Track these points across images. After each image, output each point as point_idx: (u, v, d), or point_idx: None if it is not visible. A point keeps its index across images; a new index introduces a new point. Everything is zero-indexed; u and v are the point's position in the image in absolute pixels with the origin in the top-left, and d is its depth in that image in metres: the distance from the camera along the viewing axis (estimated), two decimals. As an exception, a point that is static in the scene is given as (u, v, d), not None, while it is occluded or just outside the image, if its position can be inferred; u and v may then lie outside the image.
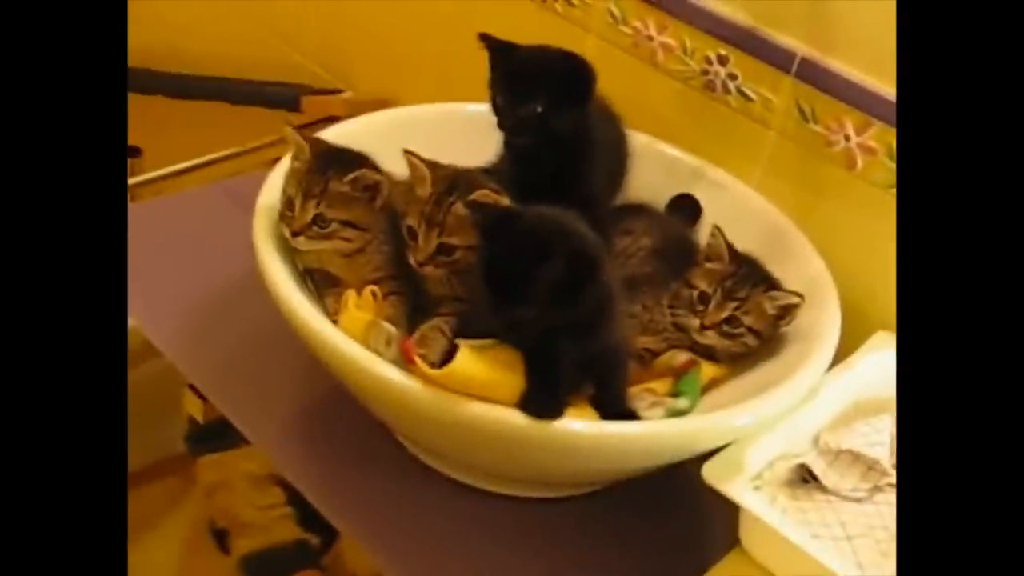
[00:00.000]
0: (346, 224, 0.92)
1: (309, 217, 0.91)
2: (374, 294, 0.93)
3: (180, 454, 1.14)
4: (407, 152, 0.92)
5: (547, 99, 0.94)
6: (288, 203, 0.92)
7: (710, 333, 0.95)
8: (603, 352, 0.86)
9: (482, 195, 0.87)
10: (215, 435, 1.07)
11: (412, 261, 0.90)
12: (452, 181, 0.90)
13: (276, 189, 0.96)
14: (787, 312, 0.95)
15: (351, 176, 0.92)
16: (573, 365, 0.84)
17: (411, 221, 0.91)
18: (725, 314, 0.95)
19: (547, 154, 0.96)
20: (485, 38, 0.97)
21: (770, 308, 0.95)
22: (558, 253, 0.78)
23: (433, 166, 0.91)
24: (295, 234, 0.91)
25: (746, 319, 0.94)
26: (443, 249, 0.89)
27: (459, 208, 0.89)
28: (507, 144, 0.98)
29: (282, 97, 1.52)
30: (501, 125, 0.96)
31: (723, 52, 1.11)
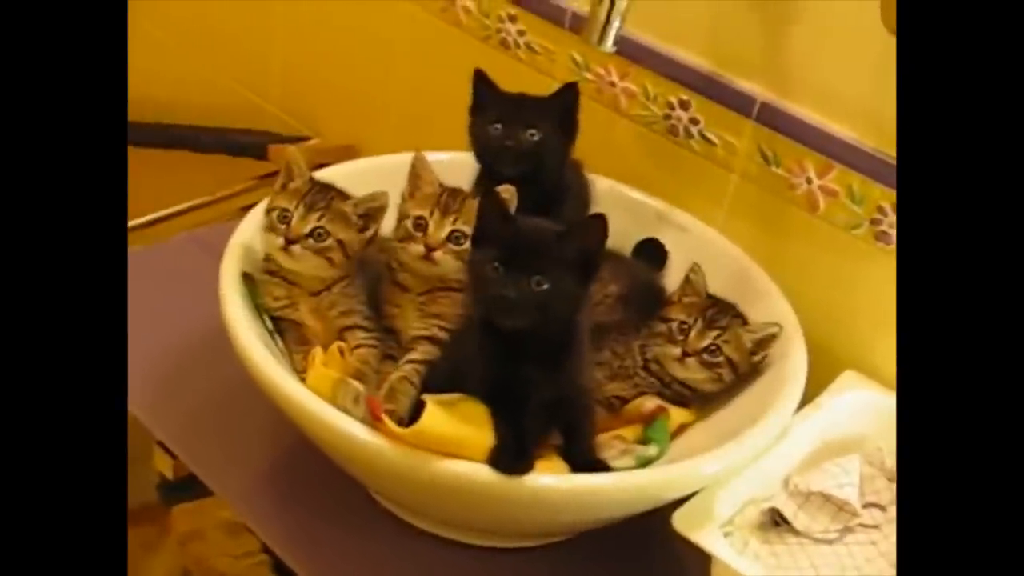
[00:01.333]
0: (340, 244, 0.94)
1: (308, 228, 0.92)
2: (341, 350, 0.93)
3: (153, 502, 1.12)
4: (416, 155, 0.96)
5: (545, 129, 0.97)
6: (282, 216, 0.93)
7: (691, 361, 0.95)
8: (570, 398, 0.86)
9: (505, 189, 0.90)
10: (188, 486, 1.06)
11: (416, 251, 0.92)
12: (456, 188, 0.95)
13: (244, 242, 0.96)
14: (764, 345, 0.96)
15: (358, 198, 0.95)
16: (540, 411, 0.84)
17: (420, 211, 0.93)
18: (707, 341, 0.95)
19: (529, 192, 0.96)
20: (478, 74, 1.01)
21: (748, 341, 0.95)
22: (576, 237, 0.81)
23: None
24: (290, 242, 0.92)
25: (726, 348, 0.95)
26: (455, 237, 0.91)
27: (474, 202, 0.91)
28: (491, 177, 0.99)
29: (248, 145, 1.52)
30: (492, 154, 0.98)
31: (685, 97, 1.12)
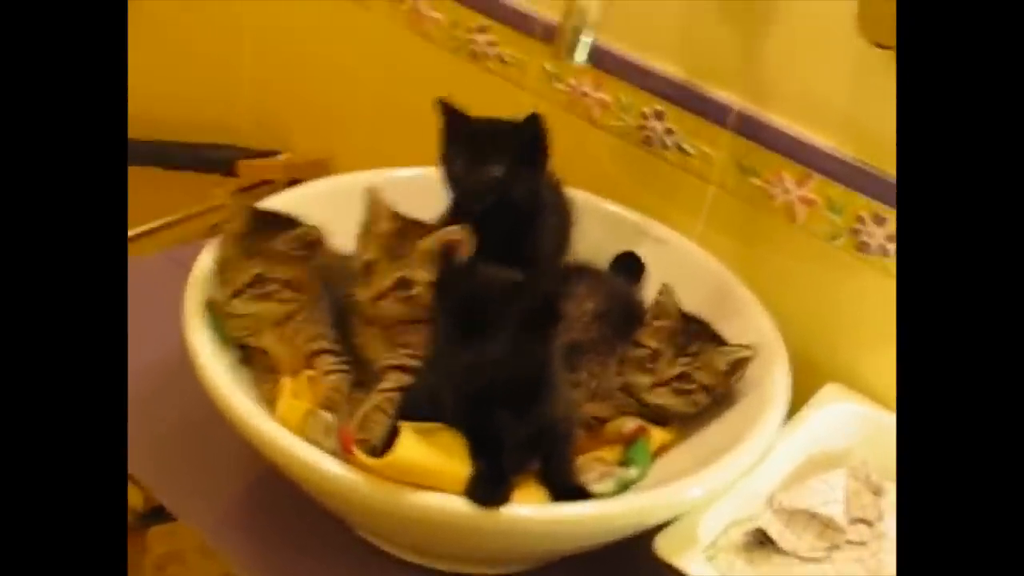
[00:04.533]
0: (285, 285, 0.91)
1: (248, 277, 0.90)
2: (311, 379, 0.91)
3: (129, 524, 1.10)
4: (369, 189, 0.93)
5: (507, 164, 0.94)
6: (224, 265, 0.91)
7: (662, 390, 0.94)
8: (548, 427, 0.85)
9: (454, 231, 0.88)
10: (160, 514, 1.04)
11: (364, 297, 0.90)
12: (414, 221, 0.92)
13: (208, 270, 0.94)
14: (738, 367, 0.94)
15: (289, 235, 0.91)
16: (518, 443, 0.82)
17: (369, 255, 0.90)
18: (677, 370, 0.93)
19: (500, 219, 0.95)
20: (442, 104, 0.97)
21: (721, 364, 0.94)
22: (531, 293, 0.79)
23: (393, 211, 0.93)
24: (233, 295, 0.90)
25: (698, 375, 0.94)
26: (402, 283, 0.89)
27: (424, 244, 0.89)
28: (460, 209, 0.97)
29: (218, 161, 1.50)
30: (457, 189, 0.96)
31: (659, 107, 1.11)
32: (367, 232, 0.93)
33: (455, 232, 0.89)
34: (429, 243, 0.90)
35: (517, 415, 0.82)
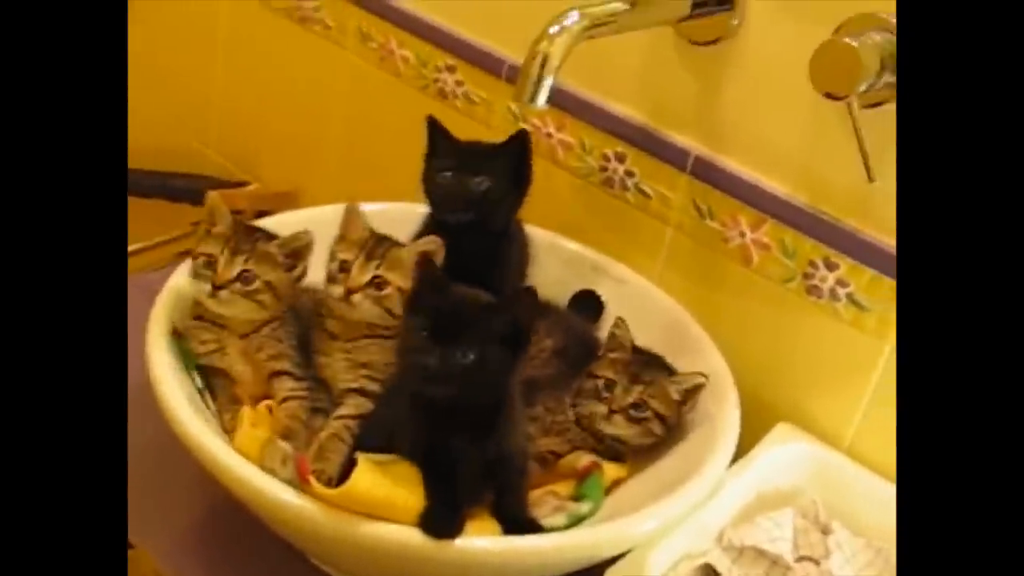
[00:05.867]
0: (268, 286, 0.93)
1: (235, 272, 0.92)
2: (270, 408, 0.91)
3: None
4: (349, 205, 0.96)
5: (493, 178, 0.98)
6: (208, 261, 0.92)
7: (618, 419, 0.95)
8: (503, 459, 0.86)
9: (430, 241, 0.92)
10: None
11: (339, 292, 0.92)
12: (389, 236, 0.96)
13: (173, 297, 0.96)
14: (691, 395, 0.96)
15: (282, 238, 0.95)
16: (472, 472, 0.83)
17: (345, 255, 0.93)
18: (632, 398, 0.95)
19: (474, 239, 0.97)
20: (430, 120, 1.01)
21: (675, 392, 0.96)
22: (503, 314, 0.81)
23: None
24: (217, 287, 0.91)
25: (653, 403, 0.95)
26: (377, 282, 0.92)
27: (400, 251, 0.93)
28: (436, 224, 1.00)
29: (187, 190, 1.50)
30: (440, 200, 0.99)
31: (620, 150, 1.13)
32: (343, 238, 0.95)
33: (431, 242, 0.93)
34: (405, 252, 0.93)
35: (474, 442, 0.83)
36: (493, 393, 0.83)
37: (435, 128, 1.01)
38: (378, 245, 0.94)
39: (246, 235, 0.94)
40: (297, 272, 0.96)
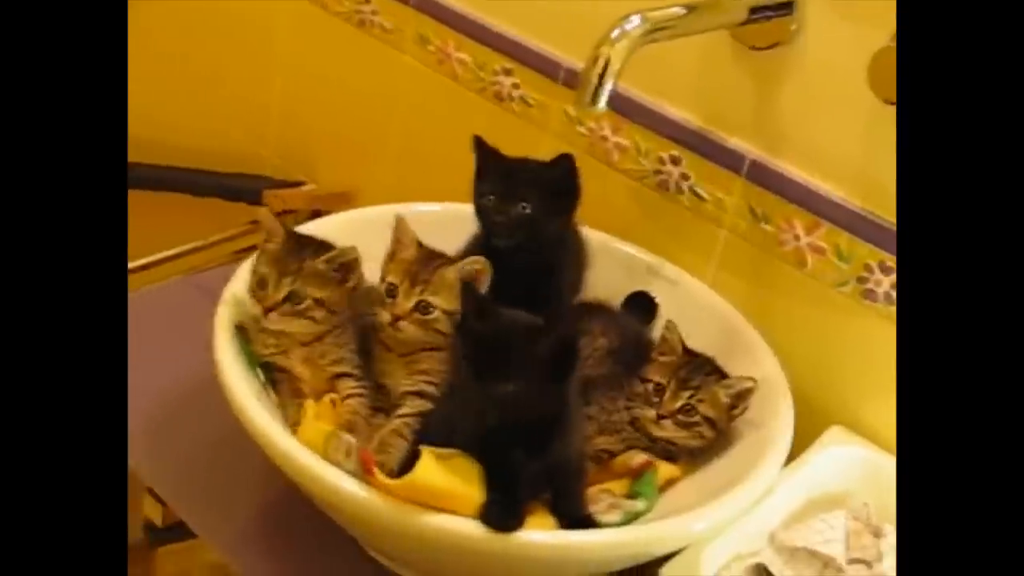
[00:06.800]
0: (318, 303, 0.94)
1: (283, 293, 0.93)
2: (333, 402, 0.93)
3: (138, 543, 1.12)
4: (397, 216, 0.97)
5: (537, 202, 0.98)
6: (260, 281, 0.94)
7: (667, 423, 0.96)
8: (561, 464, 0.87)
9: (475, 261, 0.93)
10: (176, 531, 1.06)
11: (386, 318, 0.93)
12: (437, 251, 0.96)
13: (237, 292, 0.97)
14: (741, 399, 0.96)
15: (328, 255, 0.94)
16: (530, 477, 0.84)
17: (392, 278, 0.94)
18: (680, 403, 0.96)
19: (524, 257, 0.98)
20: (477, 141, 1.00)
21: (724, 396, 0.96)
22: (549, 334, 0.81)
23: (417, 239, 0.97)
24: (268, 311, 0.92)
25: (701, 407, 0.96)
26: (422, 307, 0.92)
27: (446, 272, 0.93)
28: (486, 242, 1.00)
29: (244, 190, 1.53)
30: (487, 224, 0.99)
31: (675, 153, 1.14)
32: (392, 257, 0.96)
33: (476, 262, 0.93)
34: (451, 272, 0.93)
35: (530, 454, 0.84)
36: (546, 416, 0.84)
37: (481, 148, 1.01)
38: (425, 266, 0.94)
39: (296, 253, 0.94)
40: (350, 284, 0.96)
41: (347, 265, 0.95)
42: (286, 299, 0.93)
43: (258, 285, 0.94)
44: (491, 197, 0.99)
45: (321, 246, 0.96)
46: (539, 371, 0.81)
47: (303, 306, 0.93)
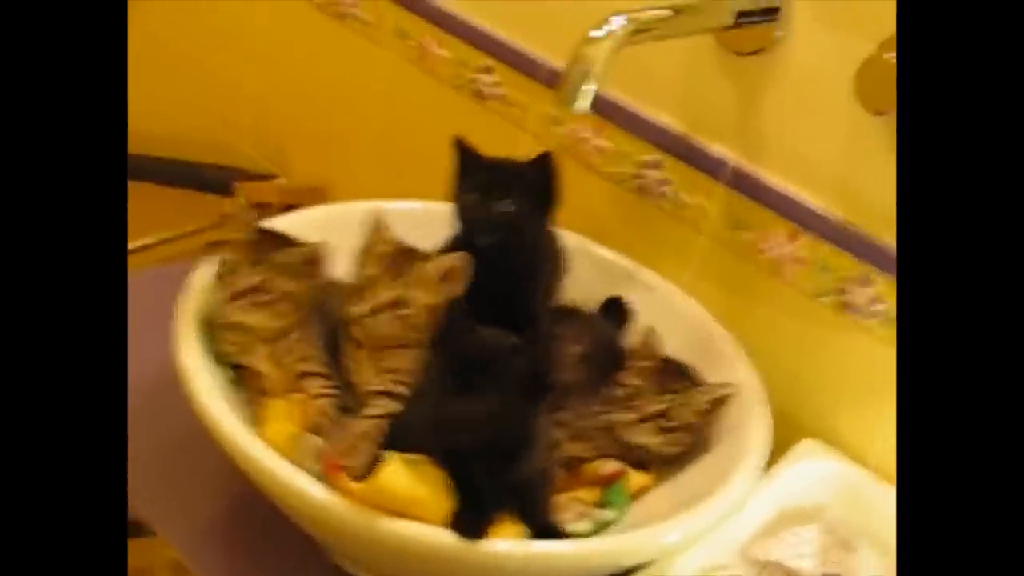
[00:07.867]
0: (284, 297, 0.93)
1: (251, 283, 0.91)
2: (300, 402, 0.91)
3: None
4: (373, 212, 0.96)
5: (517, 201, 0.96)
6: (229, 269, 0.92)
7: (645, 427, 0.95)
8: (528, 479, 0.85)
9: (455, 257, 0.91)
10: (135, 529, 1.04)
11: (360, 311, 0.91)
12: (413, 248, 0.95)
13: (202, 286, 0.95)
14: (718, 405, 0.95)
15: (299, 249, 0.93)
16: (499, 490, 0.83)
17: (368, 271, 0.92)
18: (659, 407, 0.95)
19: (501, 258, 0.96)
20: (457, 141, 0.99)
21: (702, 402, 0.95)
22: (525, 358, 0.80)
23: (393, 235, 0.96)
24: (233, 297, 0.91)
25: (679, 412, 0.95)
26: (400, 302, 0.91)
27: (425, 267, 0.91)
28: (465, 243, 0.98)
29: (215, 181, 1.50)
30: (466, 224, 0.98)
31: (656, 157, 1.13)
32: (367, 251, 0.95)
33: (455, 259, 0.92)
34: (430, 267, 0.92)
35: (494, 471, 0.82)
36: (513, 436, 0.82)
37: (462, 149, 0.99)
38: (403, 261, 0.93)
39: (265, 244, 0.93)
40: (318, 280, 0.95)
41: (315, 261, 0.94)
42: (250, 290, 0.92)
43: (224, 275, 0.92)
44: (470, 197, 0.97)
45: (289, 240, 0.95)
46: (512, 391, 0.79)
47: (266, 298, 0.92)
